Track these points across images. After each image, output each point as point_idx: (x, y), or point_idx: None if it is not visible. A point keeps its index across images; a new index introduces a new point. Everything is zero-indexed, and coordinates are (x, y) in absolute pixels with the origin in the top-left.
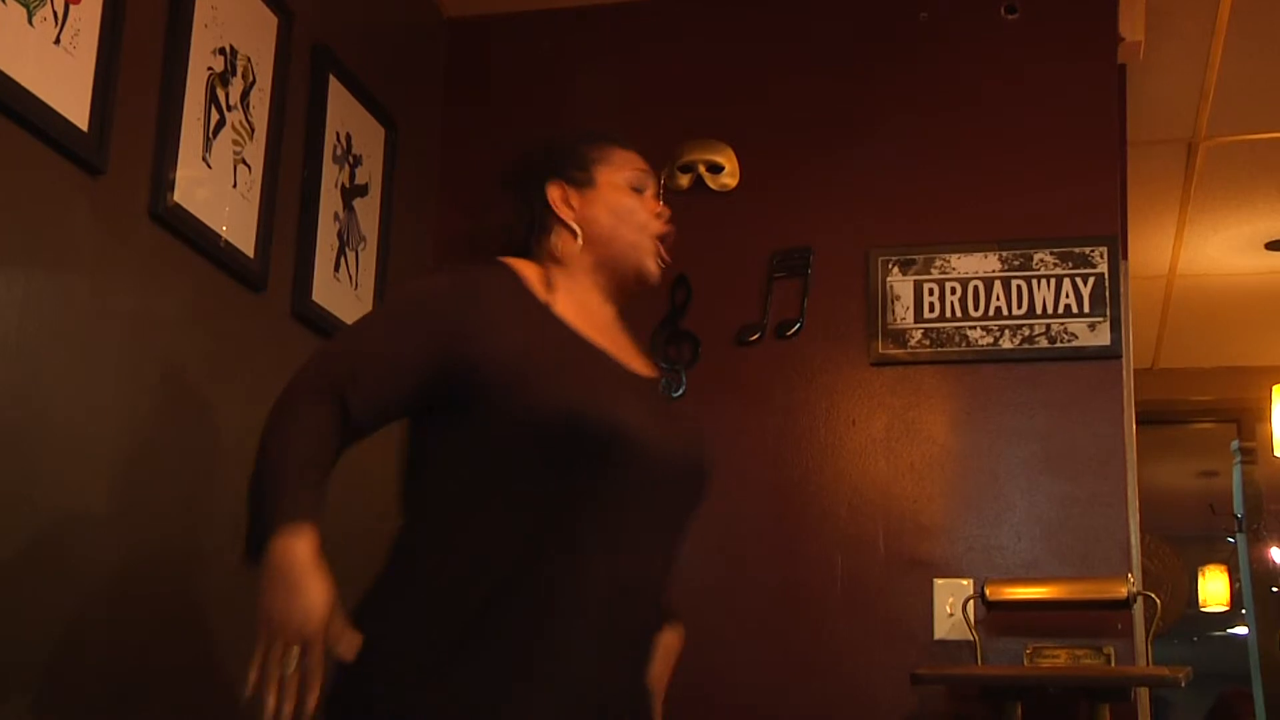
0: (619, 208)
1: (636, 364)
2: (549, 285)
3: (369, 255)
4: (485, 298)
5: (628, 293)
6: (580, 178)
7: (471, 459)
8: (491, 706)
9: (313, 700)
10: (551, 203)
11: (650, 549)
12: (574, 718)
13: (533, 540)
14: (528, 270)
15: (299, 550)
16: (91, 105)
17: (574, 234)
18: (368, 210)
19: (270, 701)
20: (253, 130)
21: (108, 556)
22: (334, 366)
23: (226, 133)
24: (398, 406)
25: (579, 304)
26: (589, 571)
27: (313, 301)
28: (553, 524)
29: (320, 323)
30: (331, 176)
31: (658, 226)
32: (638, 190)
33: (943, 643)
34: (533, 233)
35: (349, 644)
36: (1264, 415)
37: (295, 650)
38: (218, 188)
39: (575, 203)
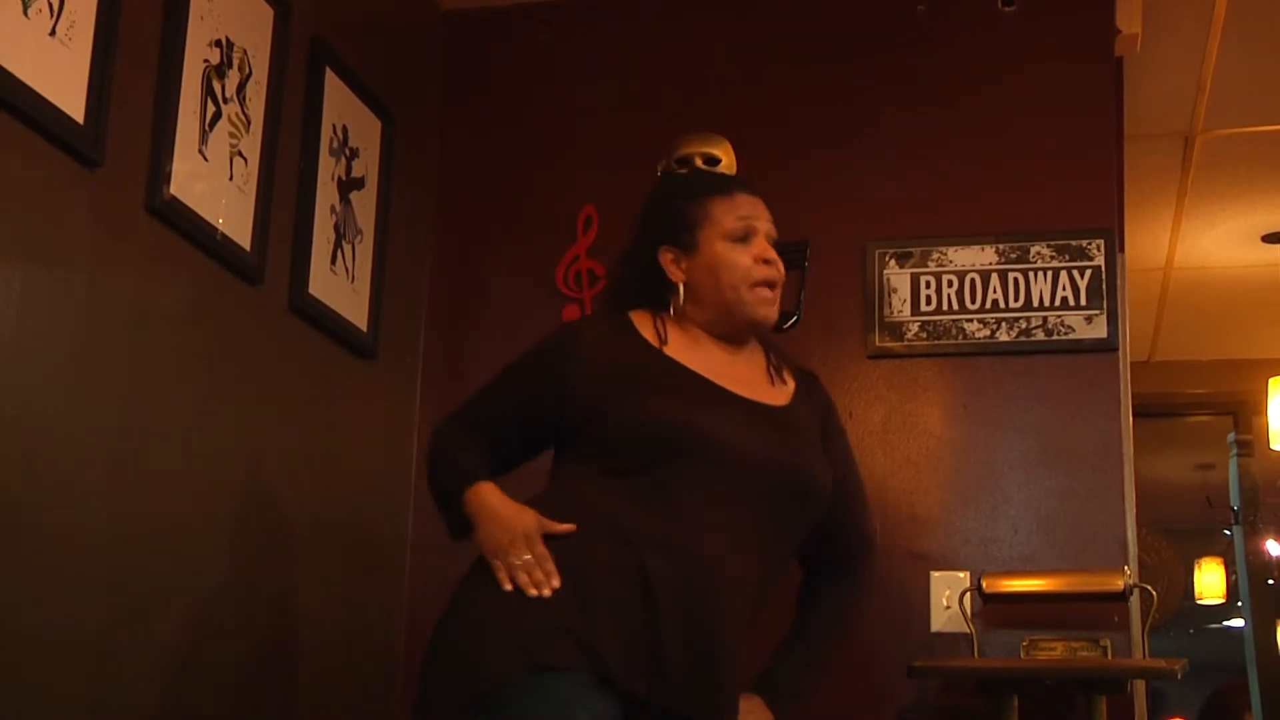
0: (719, 268)
1: (751, 392)
2: (662, 335)
3: (365, 248)
4: (582, 345)
5: (747, 336)
6: (686, 241)
7: (584, 458)
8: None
9: (555, 579)
10: (665, 267)
11: (726, 537)
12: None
13: (619, 509)
14: (642, 320)
15: (486, 492)
16: (87, 98)
17: (685, 293)
18: (364, 203)
19: (528, 589)
20: (249, 123)
21: (105, 550)
22: (471, 408)
23: (223, 125)
24: (525, 434)
25: (693, 346)
26: (661, 539)
27: (309, 295)
28: (636, 499)
29: (317, 316)
30: (328, 170)
31: (758, 275)
32: (742, 239)
33: (940, 635)
34: (657, 289)
35: (562, 530)
36: (1260, 408)
37: (521, 548)
38: (214, 181)
39: (685, 265)
